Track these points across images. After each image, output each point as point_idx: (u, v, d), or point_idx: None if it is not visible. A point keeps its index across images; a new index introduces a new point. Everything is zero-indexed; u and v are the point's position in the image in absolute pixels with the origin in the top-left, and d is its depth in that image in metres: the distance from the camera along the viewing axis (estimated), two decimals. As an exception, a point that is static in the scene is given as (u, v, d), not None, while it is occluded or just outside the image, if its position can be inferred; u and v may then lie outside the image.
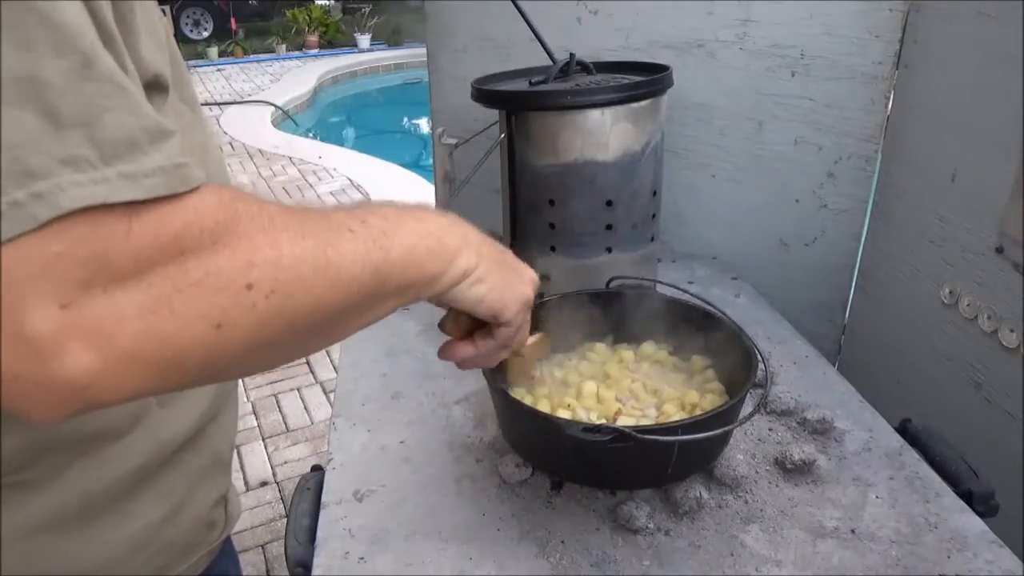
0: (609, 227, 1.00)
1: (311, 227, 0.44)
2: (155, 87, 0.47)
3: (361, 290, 0.46)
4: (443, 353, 0.68)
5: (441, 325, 0.67)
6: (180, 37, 9.92)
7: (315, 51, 10.58)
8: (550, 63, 1.02)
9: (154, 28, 0.49)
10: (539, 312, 0.90)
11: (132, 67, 0.41)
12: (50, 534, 0.55)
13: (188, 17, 10.84)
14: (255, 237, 0.40)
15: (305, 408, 2.76)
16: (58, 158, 0.34)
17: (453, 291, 0.56)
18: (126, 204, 0.36)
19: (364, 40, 10.80)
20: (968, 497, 0.77)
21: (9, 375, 0.34)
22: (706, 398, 0.82)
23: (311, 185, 5.13)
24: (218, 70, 9.50)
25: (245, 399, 2.79)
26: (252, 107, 7.41)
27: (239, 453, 2.50)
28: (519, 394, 0.84)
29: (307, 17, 10.72)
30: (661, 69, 1.00)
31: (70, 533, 0.56)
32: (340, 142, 7.06)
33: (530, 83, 0.99)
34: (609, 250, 1.01)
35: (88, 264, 0.34)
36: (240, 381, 2.93)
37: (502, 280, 0.60)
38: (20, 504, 0.53)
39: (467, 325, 0.66)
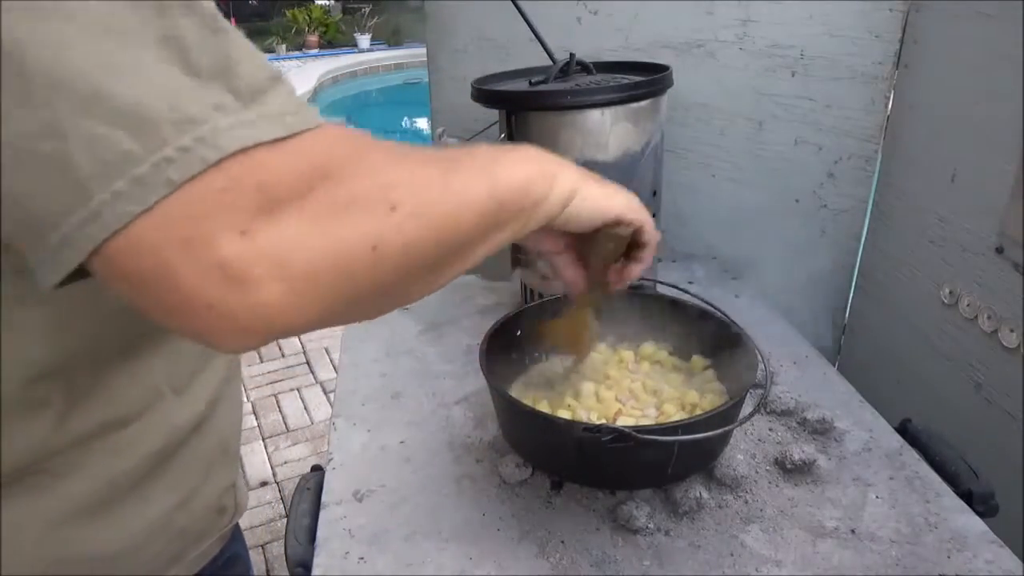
0: (609, 227, 0.99)
1: (424, 157, 0.46)
2: None
3: (485, 213, 0.48)
4: (619, 277, 0.71)
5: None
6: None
7: (315, 51, 10.57)
8: (550, 63, 1.02)
9: None
10: (540, 311, 0.91)
11: None
12: (71, 523, 0.56)
13: (188, 17, 10.82)
14: (387, 165, 0.43)
15: (305, 408, 2.76)
16: (210, 105, 0.36)
17: (567, 212, 0.57)
18: (274, 140, 0.38)
19: (364, 40, 10.80)
20: (968, 497, 0.77)
21: (203, 304, 0.36)
22: (706, 398, 0.82)
23: (311, 185, 5.13)
24: (218, 70, 9.49)
25: (245, 399, 2.79)
26: (252, 107, 7.40)
27: (239, 453, 2.50)
28: (517, 392, 0.84)
29: (307, 17, 10.71)
30: (661, 69, 1.00)
31: (92, 521, 0.57)
32: (340, 142, 7.05)
33: (530, 83, 0.99)
34: (609, 250, 1.01)
35: (254, 193, 0.36)
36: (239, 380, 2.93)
37: (607, 188, 0.62)
38: (44, 494, 0.54)
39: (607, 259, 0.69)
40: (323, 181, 0.39)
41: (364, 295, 0.42)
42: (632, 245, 0.67)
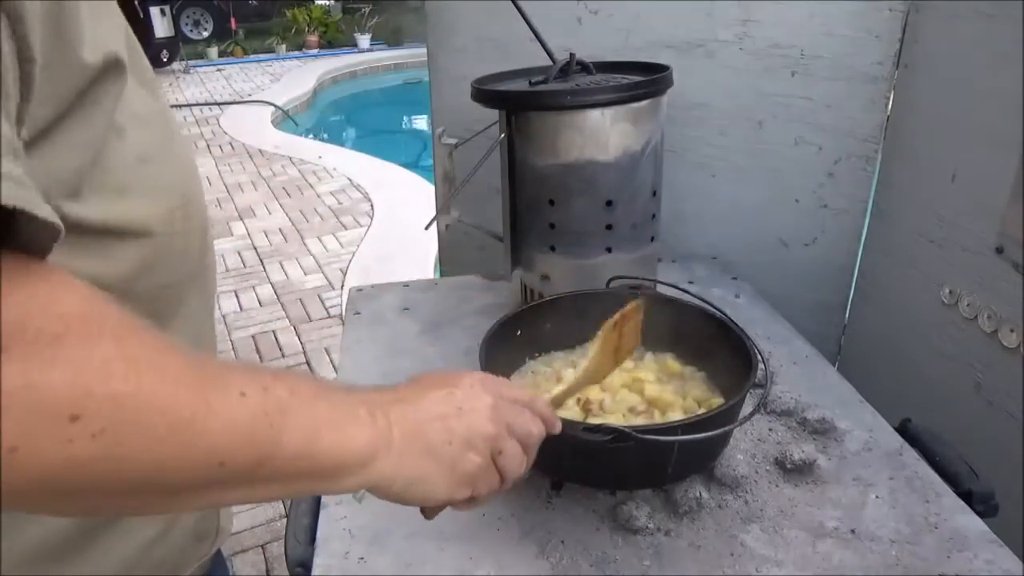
0: (609, 227, 1.00)
1: (193, 375, 0.37)
2: (113, 69, 0.46)
3: (225, 466, 0.38)
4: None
5: None
6: (180, 37, 9.91)
7: (315, 51, 10.58)
8: (550, 63, 1.02)
9: (109, 10, 0.48)
10: (541, 312, 0.91)
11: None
12: (41, 562, 0.54)
13: (188, 17, 10.83)
14: (113, 363, 0.33)
15: (305, 408, 2.76)
16: None
17: (389, 493, 0.51)
18: None
19: (364, 40, 10.80)
20: (968, 497, 0.77)
21: None
22: (707, 400, 0.82)
23: (311, 185, 5.13)
24: (218, 70, 9.50)
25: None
26: (252, 107, 7.40)
27: (239, 453, 2.50)
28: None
29: (307, 17, 10.72)
30: (661, 69, 1.00)
31: (62, 559, 0.55)
32: (340, 142, 7.06)
33: (530, 83, 0.99)
34: (609, 250, 1.01)
35: None
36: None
37: (442, 470, 0.53)
38: (16, 534, 0.52)
39: None
40: None
41: None
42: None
